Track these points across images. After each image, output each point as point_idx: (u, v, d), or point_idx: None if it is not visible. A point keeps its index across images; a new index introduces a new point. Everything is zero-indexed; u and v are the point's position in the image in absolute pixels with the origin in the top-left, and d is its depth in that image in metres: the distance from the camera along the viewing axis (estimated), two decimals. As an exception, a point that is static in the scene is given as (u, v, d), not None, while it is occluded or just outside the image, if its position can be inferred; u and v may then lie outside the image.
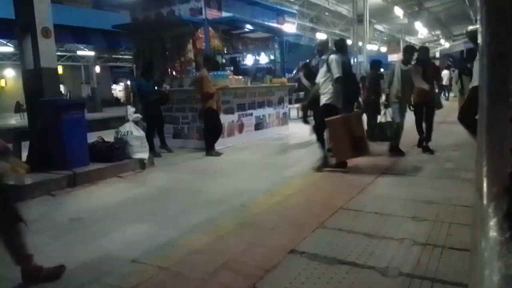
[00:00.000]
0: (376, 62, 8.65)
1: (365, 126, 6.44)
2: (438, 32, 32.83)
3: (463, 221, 3.28)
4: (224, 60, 9.84)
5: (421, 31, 28.98)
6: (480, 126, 1.06)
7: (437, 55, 31.62)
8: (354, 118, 5.39)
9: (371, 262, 2.66)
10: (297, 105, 14.93)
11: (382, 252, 2.82)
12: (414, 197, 4.15)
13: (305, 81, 7.91)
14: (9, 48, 19.51)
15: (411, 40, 34.53)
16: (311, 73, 7.34)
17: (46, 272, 2.67)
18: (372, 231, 3.23)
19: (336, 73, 5.26)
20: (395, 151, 6.32)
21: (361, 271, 2.56)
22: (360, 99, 7.11)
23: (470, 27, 4.66)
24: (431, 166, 5.33)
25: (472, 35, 4.45)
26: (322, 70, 5.48)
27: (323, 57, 5.56)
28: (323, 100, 5.44)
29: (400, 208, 3.80)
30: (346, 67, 5.55)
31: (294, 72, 19.42)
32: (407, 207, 3.81)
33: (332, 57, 5.37)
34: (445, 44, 35.16)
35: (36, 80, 5.55)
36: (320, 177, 5.22)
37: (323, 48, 5.79)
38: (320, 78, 5.51)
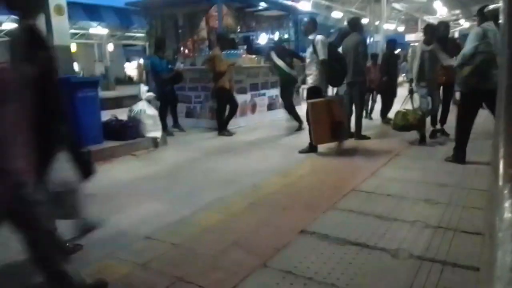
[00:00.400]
0: (391, 42, 8.41)
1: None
2: (457, 11, 31.87)
3: (476, 205, 3.25)
4: (237, 39, 9.73)
5: (440, 10, 28.16)
6: (498, 109, 1.04)
7: (457, 35, 30.78)
8: (336, 102, 5.36)
9: (381, 244, 2.67)
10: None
11: (393, 234, 2.82)
12: (427, 180, 4.12)
13: (278, 61, 7.14)
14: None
15: (430, 19, 33.62)
16: (284, 51, 7.27)
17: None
18: (384, 213, 3.22)
19: (321, 55, 5.22)
20: (422, 141, 5.73)
21: (371, 252, 2.57)
22: (366, 79, 6.63)
23: (491, 6, 4.40)
24: (445, 149, 5.26)
25: (493, 14, 4.27)
26: (308, 50, 5.45)
27: (310, 37, 5.46)
28: (308, 81, 5.47)
29: (412, 190, 3.78)
30: (332, 48, 5.42)
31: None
32: (419, 190, 3.78)
33: (318, 38, 5.31)
34: (465, 24, 34.16)
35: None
36: (332, 159, 5.21)
37: (308, 28, 5.63)
38: (306, 59, 5.49)
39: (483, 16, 4.55)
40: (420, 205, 3.38)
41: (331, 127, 5.18)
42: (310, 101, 5.27)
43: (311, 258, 2.51)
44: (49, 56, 2.44)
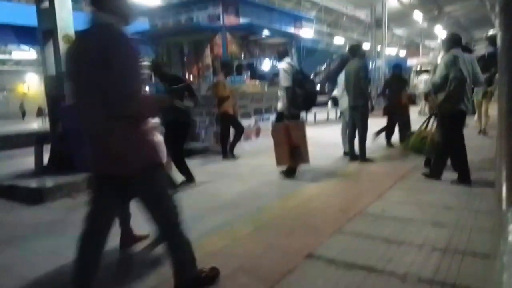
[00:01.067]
0: (397, 66, 8.22)
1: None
2: (458, 36, 32.33)
3: (484, 227, 3.21)
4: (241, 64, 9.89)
5: (441, 35, 28.60)
6: (500, 132, 1.05)
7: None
8: (294, 126, 5.46)
9: (390, 268, 2.63)
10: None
11: (401, 258, 2.78)
12: (433, 202, 4.08)
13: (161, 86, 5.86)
14: (32, 54, 20.07)
15: (431, 44, 34.09)
16: (165, 75, 5.55)
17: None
18: (391, 236, 3.18)
19: (283, 83, 5.48)
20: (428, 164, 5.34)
21: (379, 276, 2.53)
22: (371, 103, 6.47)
23: (491, 31, 4.51)
24: (451, 171, 5.22)
25: (493, 39, 4.35)
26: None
27: (278, 64, 5.78)
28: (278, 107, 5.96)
29: (419, 213, 3.74)
30: (297, 74, 5.50)
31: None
32: (426, 213, 3.74)
33: (281, 66, 5.53)
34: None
35: (57, 85, 5.70)
36: (337, 182, 5.19)
37: (279, 54, 5.82)
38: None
39: (451, 43, 4.73)
40: (428, 228, 3.34)
41: (289, 150, 5.40)
42: (274, 125, 5.83)
43: (318, 283, 2.47)
44: None
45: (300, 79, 5.61)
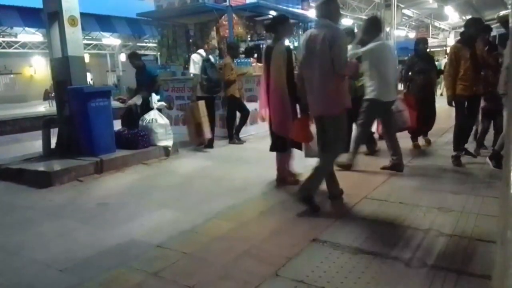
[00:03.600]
0: (420, 42, 6.29)
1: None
2: (469, 16, 31.66)
3: (491, 212, 3.19)
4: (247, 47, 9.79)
5: (451, 16, 27.99)
6: (509, 117, 1.03)
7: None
8: (195, 105, 6.43)
9: (395, 253, 2.63)
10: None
11: (406, 243, 2.78)
12: (440, 188, 4.06)
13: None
14: (37, 37, 20.00)
15: (441, 25, 33.42)
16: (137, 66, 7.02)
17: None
18: (397, 221, 3.19)
19: (191, 70, 6.85)
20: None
21: (384, 261, 2.54)
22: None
23: (502, 12, 4.40)
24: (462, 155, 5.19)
25: (504, 20, 4.24)
26: None
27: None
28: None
29: (425, 198, 3.73)
30: (205, 63, 6.67)
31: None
32: (433, 198, 3.73)
33: (192, 56, 6.81)
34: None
35: (63, 68, 5.68)
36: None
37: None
38: None
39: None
40: (434, 213, 3.33)
41: (195, 129, 6.36)
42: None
43: (323, 267, 2.48)
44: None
45: (205, 67, 6.68)
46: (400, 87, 6.67)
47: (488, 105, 5.21)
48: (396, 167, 4.61)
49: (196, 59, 6.80)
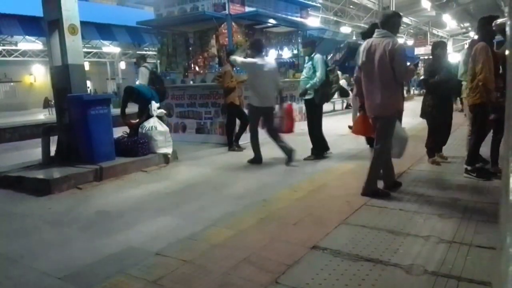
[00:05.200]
0: (439, 44, 5.69)
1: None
2: (467, 24, 31.81)
3: (492, 219, 3.19)
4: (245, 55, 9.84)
5: (450, 24, 28.19)
6: (508, 123, 1.03)
7: (466, 47, 30.78)
8: None
9: (395, 260, 2.62)
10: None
11: (406, 250, 2.77)
12: (440, 194, 4.06)
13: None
14: (38, 45, 20.04)
15: (439, 32, 33.61)
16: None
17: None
18: (397, 228, 3.18)
19: (138, 82, 8.04)
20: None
21: (385, 268, 2.53)
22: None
23: (500, 20, 4.38)
24: (460, 163, 5.19)
25: (502, 28, 4.25)
26: None
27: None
28: None
29: (426, 205, 3.72)
30: (152, 76, 7.77)
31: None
32: (433, 204, 3.73)
33: (140, 69, 8.13)
34: (475, 36, 34.05)
35: (63, 76, 5.70)
36: (343, 173, 5.17)
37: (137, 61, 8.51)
38: None
39: (310, 46, 6.10)
40: (434, 220, 3.33)
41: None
42: None
43: (323, 275, 2.47)
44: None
45: (153, 78, 7.63)
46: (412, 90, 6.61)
47: (498, 116, 4.53)
48: (255, 161, 5.95)
49: (143, 71, 8.43)
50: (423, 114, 5.45)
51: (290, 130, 6.08)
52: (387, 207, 3.70)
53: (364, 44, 3.95)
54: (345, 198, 3.99)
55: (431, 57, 5.84)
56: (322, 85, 5.83)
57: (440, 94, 5.22)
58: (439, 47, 5.49)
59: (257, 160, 5.99)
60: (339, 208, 3.72)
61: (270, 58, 7.32)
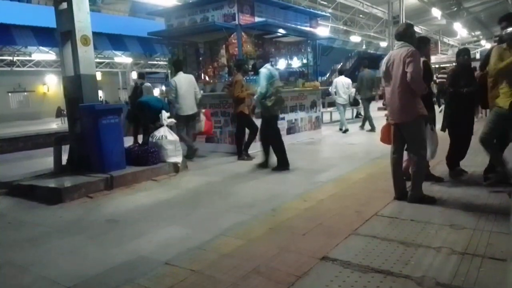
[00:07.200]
0: (463, 50, 5.31)
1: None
2: (478, 32, 31.63)
3: (505, 230, 3.13)
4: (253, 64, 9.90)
5: (460, 32, 28.04)
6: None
7: (478, 56, 30.54)
8: None
9: (406, 271, 2.58)
10: (330, 109, 14.84)
11: (418, 261, 2.73)
12: (452, 204, 4.00)
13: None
14: (51, 56, 20.43)
15: (450, 41, 33.45)
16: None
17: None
18: (408, 239, 3.13)
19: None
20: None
21: (396, 280, 2.49)
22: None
23: (510, 29, 4.28)
24: (472, 172, 5.12)
25: (510, 38, 4.17)
26: None
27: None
28: None
29: (437, 215, 3.67)
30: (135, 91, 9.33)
31: (327, 75, 19.26)
32: (444, 215, 3.68)
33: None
34: (486, 45, 33.81)
35: (75, 86, 5.78)
36: (353, 182, 5.13)
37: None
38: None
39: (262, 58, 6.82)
40: (446, 230, 3.28)
41: None
42: None
43: (333, 286, 2.45)
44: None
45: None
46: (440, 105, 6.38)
47: None
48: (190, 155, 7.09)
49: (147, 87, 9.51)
50: (444, 128, 5.11)
51: (207, 131, 7.69)
52: (398, 217, 3.66)
53: (387, 56, 4.17)
54: (355, 208, 3.95)
55: (445, 65, 5.69)
56: (264, 98, 6.14)
57: (465, 105, 4.92)
58: (461, 54, 5.10)
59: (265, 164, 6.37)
60: (349, 218, 3.69)
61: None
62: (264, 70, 6.23)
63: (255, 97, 6.34)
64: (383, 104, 5.00)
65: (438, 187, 4.66)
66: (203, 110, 7.63)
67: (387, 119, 4.38)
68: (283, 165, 6.19)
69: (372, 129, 10.39)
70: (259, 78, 6.27)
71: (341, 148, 7.72)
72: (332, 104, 14.25)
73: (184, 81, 7.22)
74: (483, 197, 4.17)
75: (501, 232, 3.14)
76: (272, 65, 6.57)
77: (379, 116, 7.24)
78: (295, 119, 9.33)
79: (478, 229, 3.26)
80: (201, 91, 8.68)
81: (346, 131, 10.71)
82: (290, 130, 9.16)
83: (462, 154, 5.12)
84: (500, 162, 4.37)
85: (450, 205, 3.96)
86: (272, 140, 6.30)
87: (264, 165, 6.38)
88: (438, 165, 5.33)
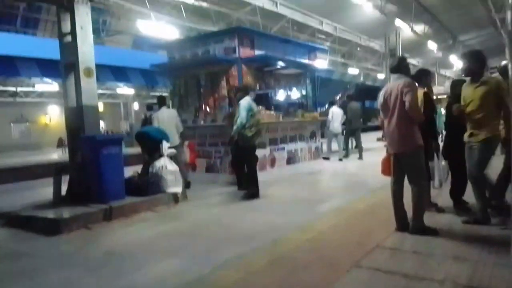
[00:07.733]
0: (455, 85, 4.98)
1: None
2: (474, 65, 32.15)
3: (508, 262, 3.08)
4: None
5: (456, 64, 28.52)
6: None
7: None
8: None
9: (409, 305, 2.53)
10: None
11: (421, 294, 2.68)
12: (454, 235, 3.96)
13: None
14: (54, 87, 20.72)
15: (446, 73, 33.98)
16: None
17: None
18: (411, 271, 3.08)
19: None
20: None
21: (399, 314, 2.43)
22: None
23: (504, 62, 4.43)
24: (473, 203, 5.08)
25: (505, 70, 4.27)
26: None
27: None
28: None
29: (439, 247, 3.62)
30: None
31: (326, 106, 19.47)
32: (447, 246, 3.63)
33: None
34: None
35: (77, 117, 5.84)
36: (354, 212, 5.09)
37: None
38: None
39: (242, 91, 6.64)
40: (449, 263, 3.23)
41: None
42: None
43: (334, 320, 2.39)
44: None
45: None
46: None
47: None
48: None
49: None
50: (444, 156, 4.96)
51: (191, 161, 8.16)
52: (400, 249, 3.61)
53: (384, 88, 4.23)
54: (356, 239, 3.90)
55: (441, 97, 5.76)
56: (244, 128, 6.29)
57: (460, 135, 4.55)
58: (458, 85, 4.79)
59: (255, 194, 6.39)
60: (351, 250, 3.63)
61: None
62: (243, 102, 6.38)
63: (234, 127, 6.39)
64: (382, 136, 4.96)
65: (440, 216, 4.62)
66: (186, 143, 7.87)
67: (387, 150, 4.38)
68: (253, 194, 6.32)
69: (360, 157, 10.77)
70: (239, 109, 6.38)
71: (342, 178, 7.71)
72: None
73: (167, 115, 7.40)
74: (485, 229, 4.12)
75: (504, 264, 3.09)
76: (252, 99, 6.66)
77: (379, 146, 7.25)
78: (295, 149, 9.36)
79: (481, 261, 3.21)
80: (202, 121, 8.78)
81: (341, 159, 10.72)
82: (290, 160, 9.18)
83: (463, 189, 4.95)
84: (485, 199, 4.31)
85: (452, 236, 3.91)
86: (249, 169, 6.49)
87: (245, 187, 6.56)
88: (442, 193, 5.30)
